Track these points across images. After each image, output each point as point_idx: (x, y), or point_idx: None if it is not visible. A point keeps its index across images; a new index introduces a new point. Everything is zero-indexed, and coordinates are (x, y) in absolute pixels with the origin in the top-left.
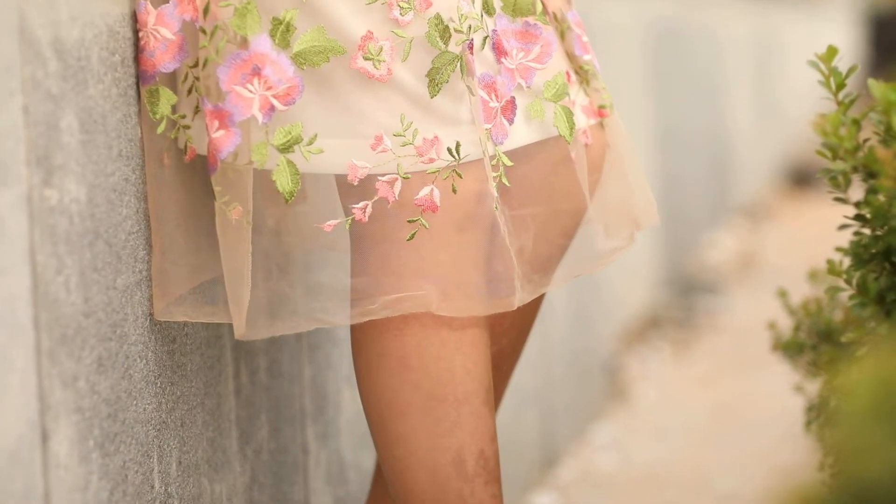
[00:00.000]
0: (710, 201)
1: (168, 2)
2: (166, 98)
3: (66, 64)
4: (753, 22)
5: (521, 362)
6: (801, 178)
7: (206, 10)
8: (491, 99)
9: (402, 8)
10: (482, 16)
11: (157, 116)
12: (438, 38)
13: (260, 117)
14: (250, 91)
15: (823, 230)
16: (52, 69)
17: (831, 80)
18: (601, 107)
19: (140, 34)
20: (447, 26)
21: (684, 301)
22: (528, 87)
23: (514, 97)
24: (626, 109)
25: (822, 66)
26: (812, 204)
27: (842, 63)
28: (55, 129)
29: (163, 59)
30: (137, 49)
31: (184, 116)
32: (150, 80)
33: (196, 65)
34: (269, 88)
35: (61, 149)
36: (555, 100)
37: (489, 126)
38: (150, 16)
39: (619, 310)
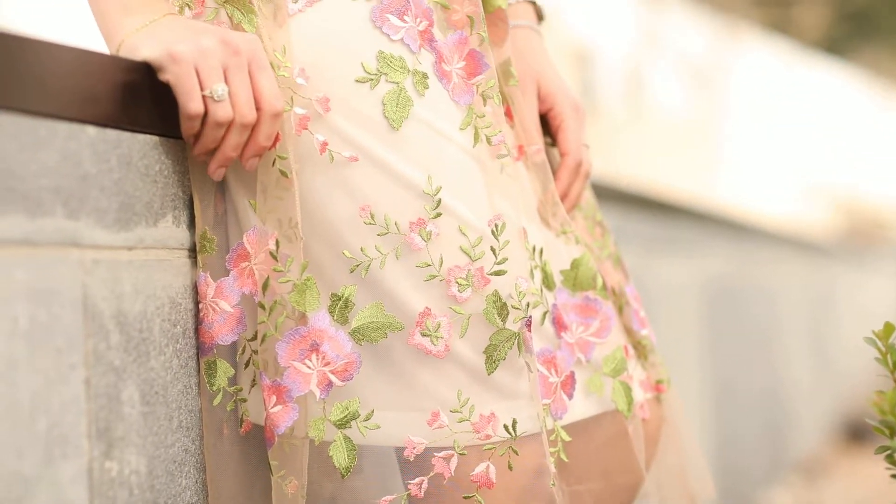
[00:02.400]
0: (766, 457)
1: (228, 275)
2: (223, 370)
3: (129, 336)
4: (807, 277)
5: None
6: (856, 433)
7: (265, 286)
8: (550, 374)
9: (460, 285)
10: (542, 290)
11: (214, 388)
12: (496, 315)
13: (318, 393)
14: (308, 367)
15: (880, 486)
16: (114, 342)
17: (888, 357)
18: (659, 381)
19: (199, 305)
20: (505, 303)
21: None
22: (588, 361)
23: (573, 372)
24: (682, 366)
25: (879, 343)
26: (868, 459)
27: None
28: (116, 402)
29: (221, 331)
30: (197, 320)
31: (240, 389)
32: (208, 352)
33: (254, 338)
34: (327, 364)
35: (122, 420)
36: (613, 375)
37: (548, 401)
38: (209, 288)
39: None
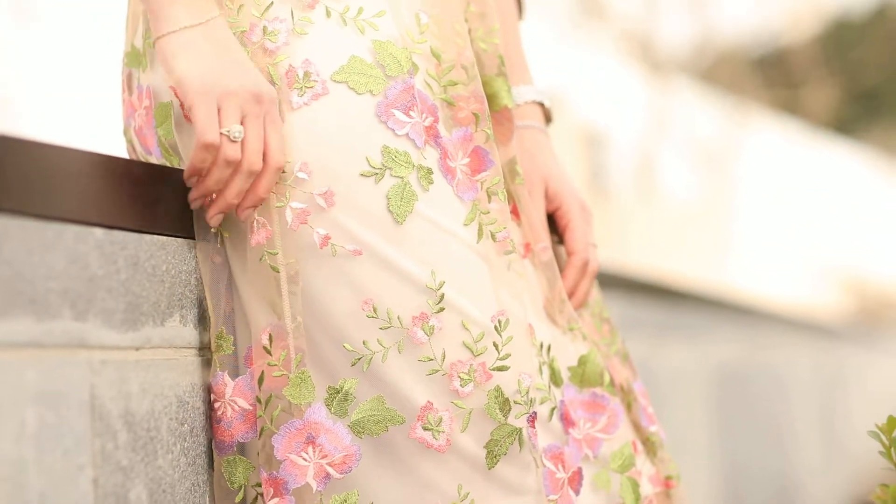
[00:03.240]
0: None
1: (245, 373)
2: (244, 468)
3: (136, 435)
4: (817, 359)
5: None
6: None
7: (260, 379)
8: (558, 470)
9: (462, 379)
10: (550, 386)
11: (236, 486)
12: (498, 411)
13: (314, 485)
14: (305, 459)
15: None
16: (122, 441)
17: (892, 451)
18: (668, 477)
19: (217, 405)
20: (507, 399)
21: None
22: (595, 457)
23: (581, 467)
24: (693, 451)
25: (883, 437)
26: None
27: None
28: (124, 501)
29: (240, 429)
30: (212, 419)
31: (259, 484)
32: (228, 451)
33: None
34: (324, 457)
35: None
36: (621, 471)
37: (556, 497)
38: (227, 387)
39: None
